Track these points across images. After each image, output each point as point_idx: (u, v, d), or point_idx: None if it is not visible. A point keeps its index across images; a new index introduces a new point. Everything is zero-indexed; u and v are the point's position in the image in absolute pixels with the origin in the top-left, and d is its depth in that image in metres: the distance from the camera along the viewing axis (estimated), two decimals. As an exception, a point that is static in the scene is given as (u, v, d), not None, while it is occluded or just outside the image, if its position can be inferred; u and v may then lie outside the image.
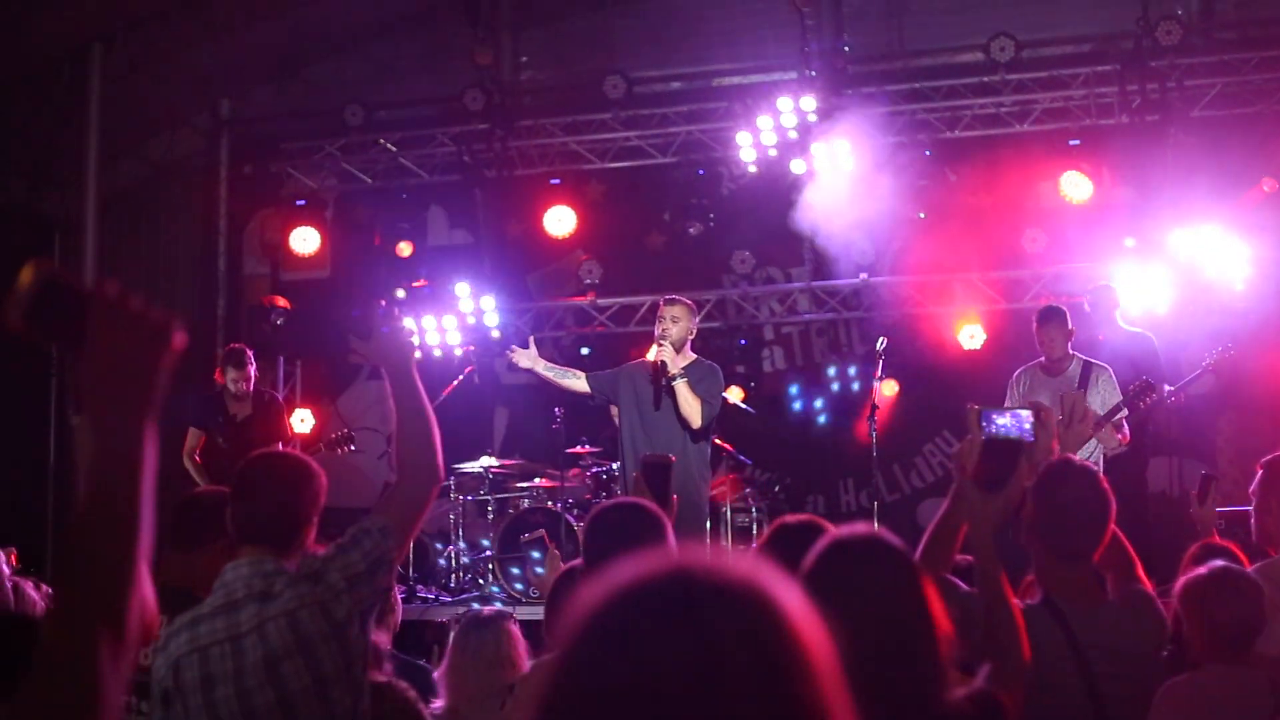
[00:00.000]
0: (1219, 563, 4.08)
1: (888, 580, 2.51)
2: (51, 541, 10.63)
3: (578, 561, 4.30)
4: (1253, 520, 5.25)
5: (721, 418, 8.19)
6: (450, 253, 12.61)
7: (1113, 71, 10.89)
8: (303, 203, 12.45)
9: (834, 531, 2.64)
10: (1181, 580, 4.05)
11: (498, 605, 8.73)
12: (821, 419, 12.03)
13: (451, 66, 12.15)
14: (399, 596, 5.11)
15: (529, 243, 12.37)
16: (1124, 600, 3.64)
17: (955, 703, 2.52)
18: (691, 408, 7.51)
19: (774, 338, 12.34)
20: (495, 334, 11.75)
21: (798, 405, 12.14)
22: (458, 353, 11.67)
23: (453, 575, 10.44)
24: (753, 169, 11.16)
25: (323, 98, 12.41)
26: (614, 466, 9.26)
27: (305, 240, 12.28)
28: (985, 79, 11.06)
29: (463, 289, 11.74)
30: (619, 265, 11.97)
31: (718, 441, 8.74)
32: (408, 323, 3.31)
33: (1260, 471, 5.21)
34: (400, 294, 11.56)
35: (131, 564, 1.59)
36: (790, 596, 1.27)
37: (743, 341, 11.98)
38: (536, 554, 9.54)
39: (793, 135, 10.82)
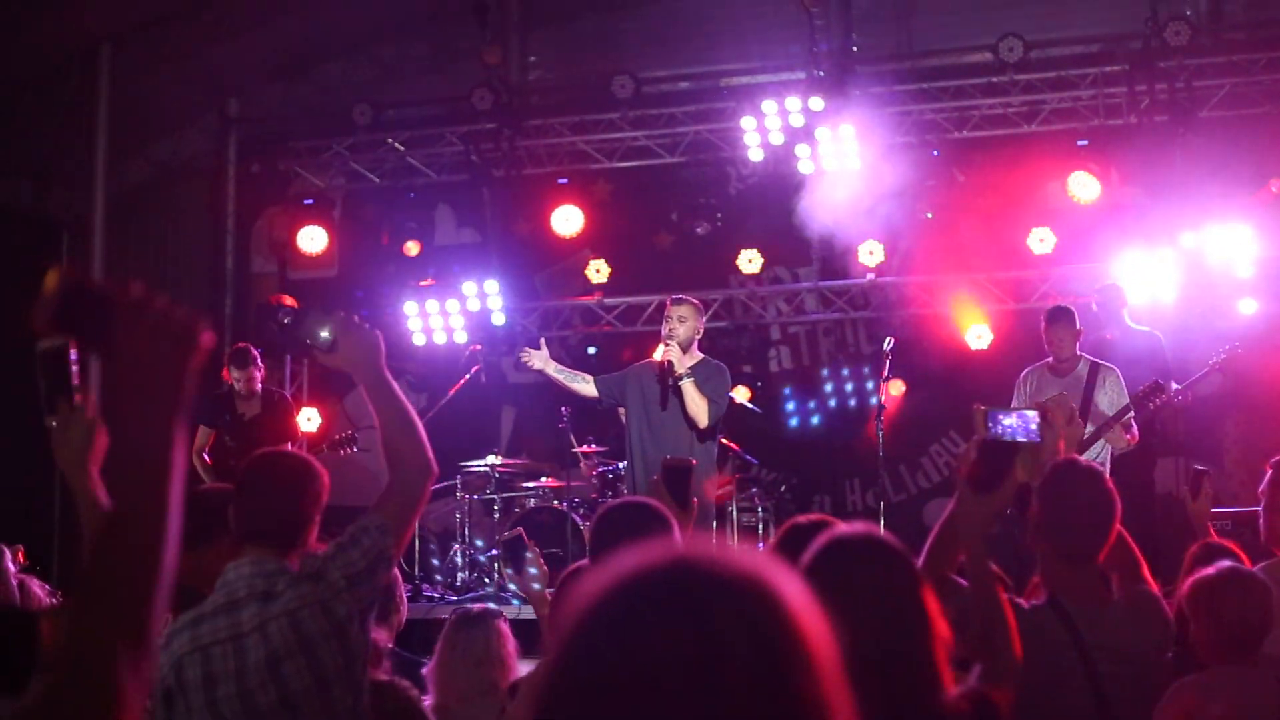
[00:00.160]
0: (1227, 563, 4.07)
1: (884, 579, 2.51)
2: (58, 539, 10.65)
3: (584, 561, 4.29)
4: (1261, 520, 5.24)
5: (728, 417, 8.18)
6: (458, 252, 12.62)
7: (1121, 72, 10.87)
8: (310, 202, 12.45)
9: (831, 530, 2.64)
10: (1190, 581, 4.04)
11: (512, 603, 8.73)
12: (828, 419, 12.02)
13: (459, 66, 12.16)
14: (404, 595, 5.11)
15: (536, 242, 12.37)
16: (1129, 601, 3.63)
17: (951, 702, 2.51)
18: (698, 407, 7.50)
19: (781, 337, 12.34)
20: (499, 318, 11.73)
21: (804, 405, 12.13)
22: (462, 338, 11.66)
23: (458, 574, 10.45)
24: (758, 153, 11.07)
25: (331, 97, 12.42)
26: (620, 466, 9.26)
27: (313, 239, 12.29)
28: (993, 79, 11.04)
29: (470, 288, 11.77)
30: (626, 265, 11.97)
31: (724, 441, 8.74)
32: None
33: (1269, 471, 5.19)
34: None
35: (157, 571, 1.57)
36: (792, 588, 1.27)
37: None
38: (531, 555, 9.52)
39: (799, 126, 10.79)
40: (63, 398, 2.87)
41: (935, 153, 11.19)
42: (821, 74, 10.91)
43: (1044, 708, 3.33)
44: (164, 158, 12.62)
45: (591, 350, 12.07)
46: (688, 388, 7.51)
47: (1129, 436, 8.06)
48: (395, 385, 3.27)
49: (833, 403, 12.03)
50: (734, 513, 9.88)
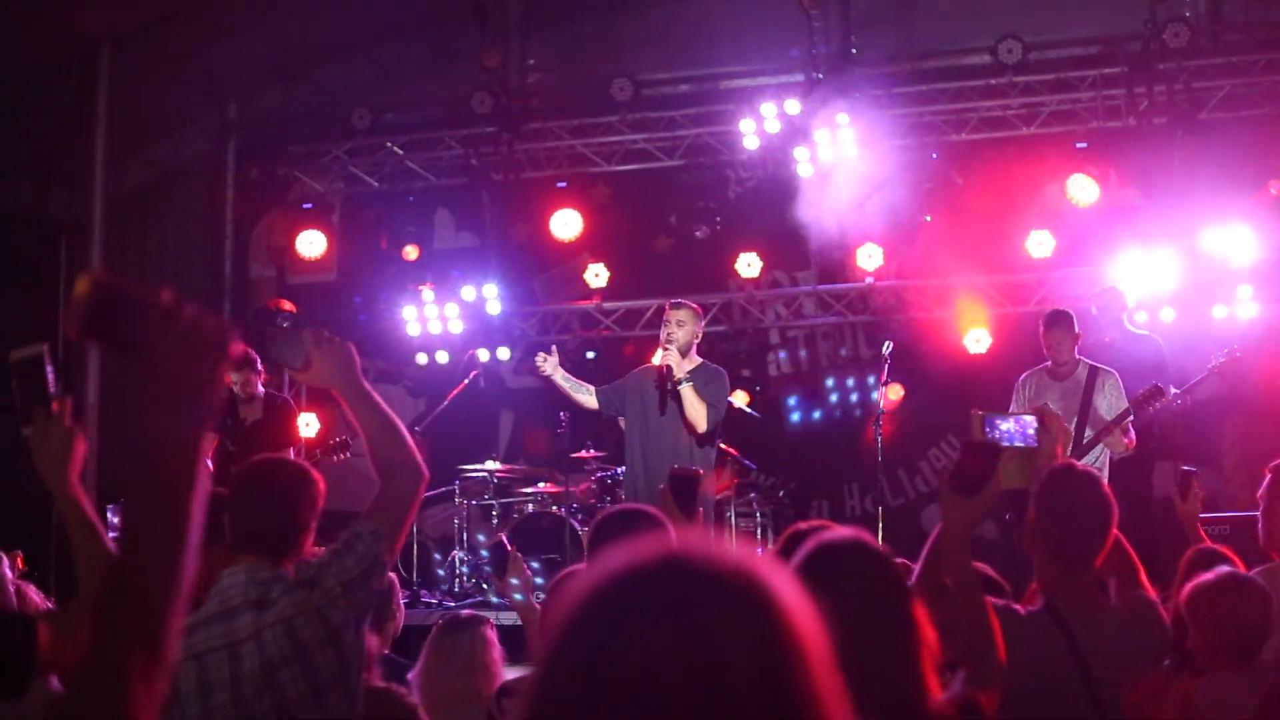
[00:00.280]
0: (1226, 569, 4.06)
1: (869, 584, 2.52)
2: (55, 546, 10.62)
3: (580, 565, 4.28)
4: (1260, 524, 5.23)
5: (726, 422, 8.17)
6: (457, 256, 12.61)
7: (1120, 74, 10.86)
8: (309, 206, 12.44)
9: (818, 535, 2.65)
10: (1189, 586, 4.03)
11: (510, 610, 8.71)
12: (827, 423, 12.01)
13: (458, 69, 12.15)
14: (402, 602, 5.09)
15: (535, 246, 12.36)
16: (1126, 606, 3.63)
17: (938, 706, 2.52)
18: (697, 412, 7.49)
19: (780, 341, 12.33)
20: (496, 306, 11.70)
21: (803, 409, 12.12)
22: (459, 327, 11.65)
23: (456, 580, 10.42)
24: (755, 140, 11.04)
25: (330, 101, 12.41)
26: (619, 471, 9.24)
27: (312, 243, 12.27)
28: (992, 81, 11.04)
29: (469, 292, 11.76)
30: (625, 268, 11.96)
31: (723, 445, 8.73)
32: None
33: (1268, 475, 5.19)
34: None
35: (177, 580, 1.55)
36: (784, 583, 1.26)
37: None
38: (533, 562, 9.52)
39: (798, 129, 10.79)
40: (40, 406, 2.87)
41: (934, 155, 11.18)
42: (820, 76, 10.91)
43: (1041, 713, 3.33)
44: (163, 159, 12.61)
45: (590, 355, 12.06)
46: (686, 392, 7.50)
47: (1127, 440, 8.05)
48: (375, 394, 3.26)
49: (832, 407, 12.02)
50: (732, 517, 9.86)
